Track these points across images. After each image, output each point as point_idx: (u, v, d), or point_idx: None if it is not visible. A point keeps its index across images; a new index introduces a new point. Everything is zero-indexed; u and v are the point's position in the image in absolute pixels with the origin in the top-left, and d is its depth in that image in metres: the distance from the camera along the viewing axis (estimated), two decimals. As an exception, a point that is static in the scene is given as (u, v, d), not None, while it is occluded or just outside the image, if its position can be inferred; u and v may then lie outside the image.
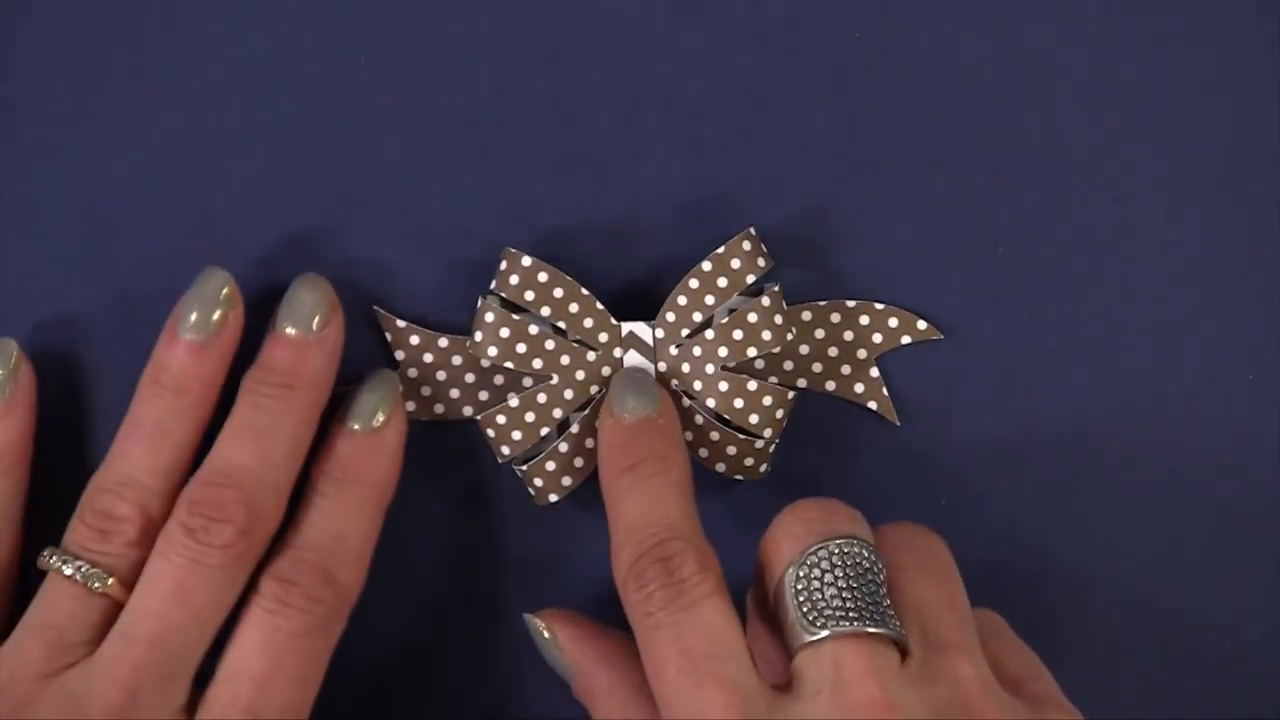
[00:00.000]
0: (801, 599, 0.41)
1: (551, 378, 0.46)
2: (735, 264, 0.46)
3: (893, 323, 0.48)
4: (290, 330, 0.46)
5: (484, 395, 0.48)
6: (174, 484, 0.45)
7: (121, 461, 0.45)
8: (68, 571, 0.44)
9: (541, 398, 0.46)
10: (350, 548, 0.45)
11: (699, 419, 0.46)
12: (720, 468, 0.47)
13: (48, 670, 0.43)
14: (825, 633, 0.41)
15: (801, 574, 0.41)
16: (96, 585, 0.44)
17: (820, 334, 0.48)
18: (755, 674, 0.41)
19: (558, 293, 0.46)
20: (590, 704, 0.46)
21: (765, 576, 0.43)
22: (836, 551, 0.41)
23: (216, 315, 0.46)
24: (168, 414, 0.45)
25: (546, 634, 0.46)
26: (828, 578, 0.41)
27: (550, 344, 0.46)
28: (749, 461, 0.47)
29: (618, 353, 0.47)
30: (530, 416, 0.46)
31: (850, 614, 0.41)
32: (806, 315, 0.48)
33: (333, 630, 0.45)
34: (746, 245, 0.46)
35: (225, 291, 0.46)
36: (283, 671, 0.44)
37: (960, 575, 0.43)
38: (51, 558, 0.44)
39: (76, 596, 0.44)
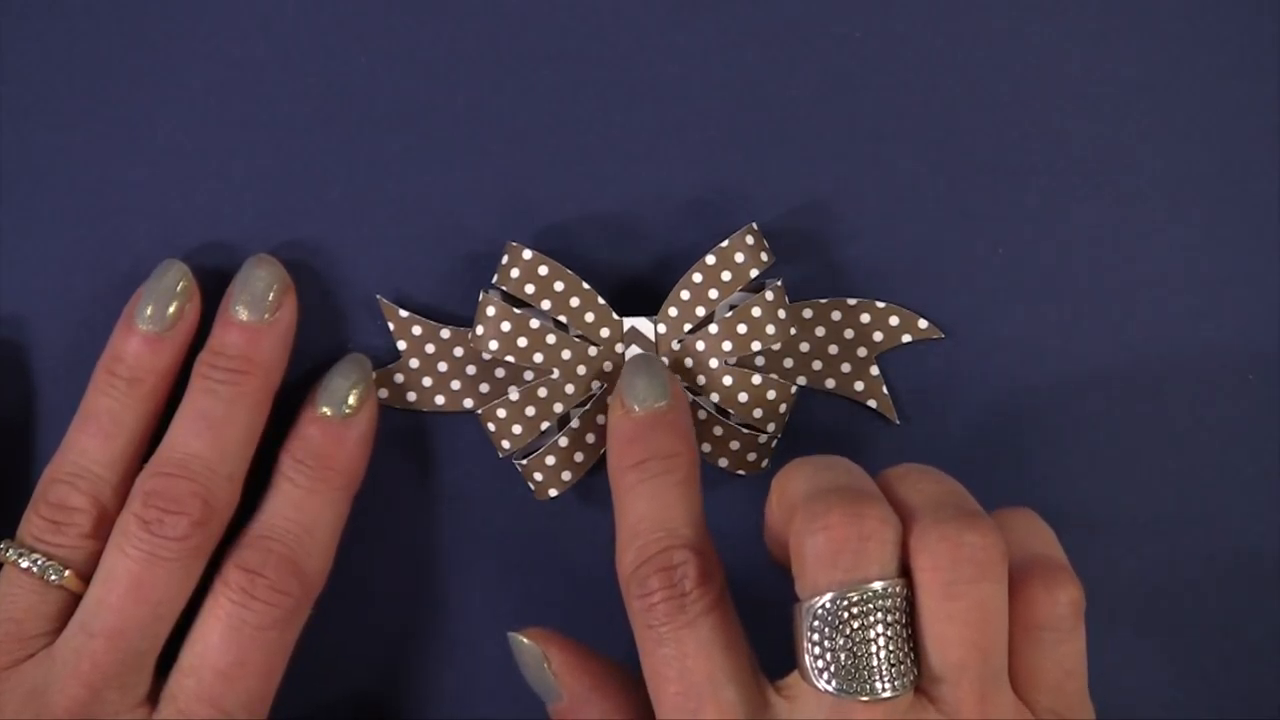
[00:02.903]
0: (814, 642, 0.40)
1: (553, 372, 0.46)
2: (739, 259, 0.46)
3: (893, 321, 0.48)
4: (243, 314, 0.46)
5: (485, 388, 0.48)
6: (127, 474, 0.45)
7: (74, 452, 0.45)
8: (24, 564, 0.44)
9: (542, 392, 0.46)
10: (318, 539, 0.45)
11: (702, 414, 0.46)
12: (723, 463, 0.47)
13: (7, 663, 0.43)
14: (832, 690, 0.40)
15: (818, 621, 0.40)
16: (53, 578, 0.44)
17: (821, 331, 0.48)
18: (755, 691, 0.42)
19: (559, 286, 0.46)
20: None
21: (790, 561, 0.42)
22: (860, 607, 0.40)
23: (173, 308, 0.46)
24: (121, 404, 0.45)
25: (534, 655, 0.45)
26: (848, 629, 0.40)
27: (551, 338, 0.46)
28: (751, 457, 0.47)
29: (619, 348, 0.47)
30: (531, 411, 0.46)
31: (863, 680, 0.40)
32: (807, 313, 0.48)
33: (298, 621, 0.45)
34: (749, 240, 0.46)
35: (182, 284, 0.46)
36: (247, 664, 0.44)
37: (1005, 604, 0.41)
38: (8, 550, 0.44)
39: (33, 589, 0.44)
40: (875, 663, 0.40)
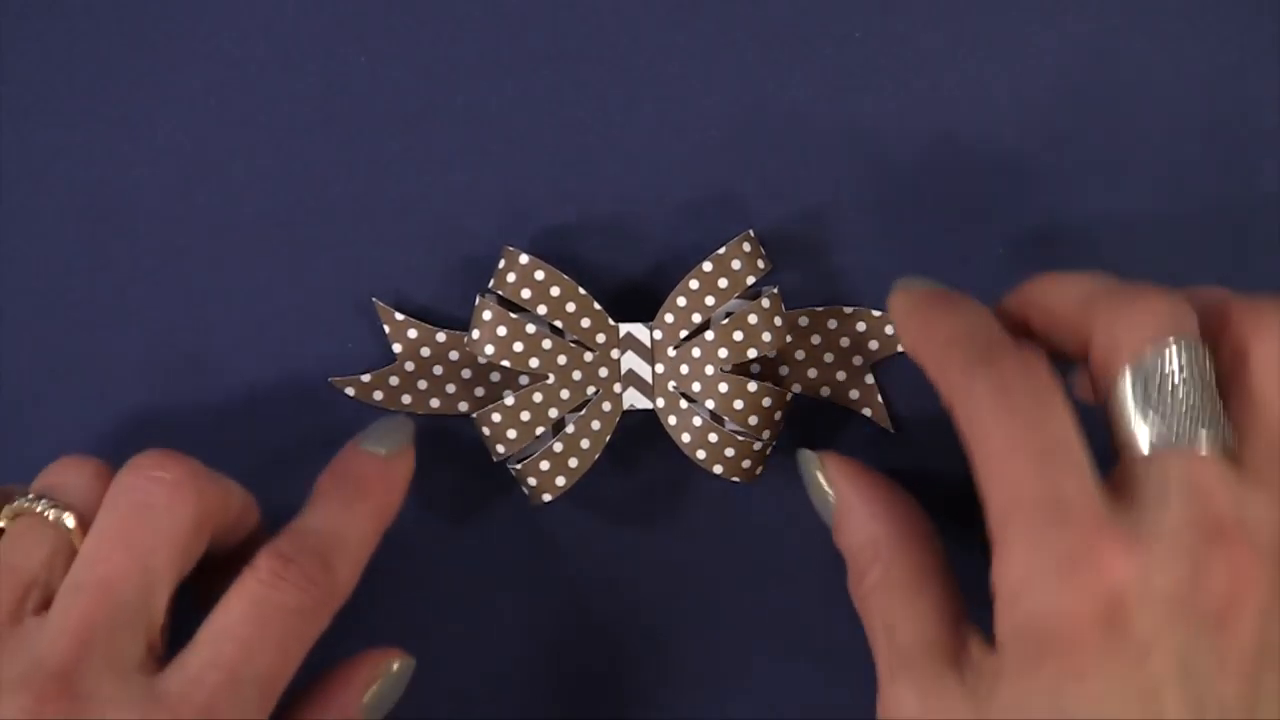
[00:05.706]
0: (1139, 405, 0.41)
1: (548, 377, 0.46)
2: (735, 265, 0.46)
3: (889, 330, 0.48)
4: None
5: (480, 392, 0.48)
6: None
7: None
8: (39, 509, 0.44)
9: (537, 397, 0.46)
10: (350, 548, 0.45)
11: (697, 420, 0.46)
12: (717, 469, 0.46)
13: (10, 618, 0.43)
14: (1163, 446, 0.41)
15: (1141, 378, 0.41)
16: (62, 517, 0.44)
17: (816, 340, 0.48)
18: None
19: (555, 291, 0.46)
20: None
21: (1093, 360, 0.43)
22: (1182, 354, 0.41)
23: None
24: None
25: (811, 462, 0.45)
26: (1168, 384, 0.41)
27: (547, 343, 0.46)
28: (746, 464, 0.46)
29: (615, 354, 0.47)
30: (526, 416, 0.46)
31: (1191, 428, 0.41)
32: (803, 320, 0.48)
33: (319, 619, 0.44)
34: (746, 247, 0.46)
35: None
36: (268, 639, 0.43)
37: None
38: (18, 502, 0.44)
39: (40, 541, 0.44)
40: (1202, 414, 0.41)
